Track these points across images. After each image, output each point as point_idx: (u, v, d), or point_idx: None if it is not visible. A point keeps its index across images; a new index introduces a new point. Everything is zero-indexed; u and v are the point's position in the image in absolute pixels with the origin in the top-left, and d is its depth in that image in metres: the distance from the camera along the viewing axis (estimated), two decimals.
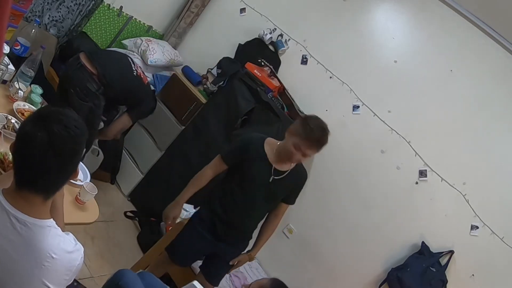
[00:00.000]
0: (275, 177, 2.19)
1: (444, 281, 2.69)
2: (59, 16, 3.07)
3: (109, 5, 3.40)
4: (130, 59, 2.81)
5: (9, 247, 1.06)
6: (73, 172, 1.14)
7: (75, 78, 2.49)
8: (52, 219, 1.14)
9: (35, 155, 1.03)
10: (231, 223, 2.31)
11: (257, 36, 3.60)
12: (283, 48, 3.52)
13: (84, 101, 2.49)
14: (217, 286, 2.48)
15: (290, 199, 2.37)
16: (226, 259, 2.39)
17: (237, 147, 2.29)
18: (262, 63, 3.46)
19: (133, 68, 2.74)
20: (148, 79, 2.96)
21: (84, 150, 1.20)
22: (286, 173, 2.20)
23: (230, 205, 2.28)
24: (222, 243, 2.35)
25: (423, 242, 2.81)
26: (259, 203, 2.28)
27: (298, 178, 2.31)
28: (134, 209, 3.46)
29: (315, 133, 2.06)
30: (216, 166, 2.31)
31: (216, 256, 2.41)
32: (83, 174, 2.11)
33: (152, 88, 3.66)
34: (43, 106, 2.27)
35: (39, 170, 1.06)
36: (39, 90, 2.31)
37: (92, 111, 2.54)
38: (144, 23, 3.81)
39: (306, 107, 3.28)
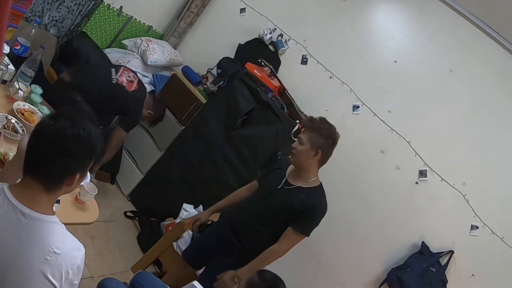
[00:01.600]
0: (284, 186, 2.20)
1: (444, 281, 2.69)
2: (59, 16, 3.07)
3: (109, 5, 3.40)
4: (113, 69, 2.82)
5: (14, 241, 1.09)
6: (71, 174, 1.15)
7: (58, 96, 2.60)
8: (56, 216, 1.17)
9: (40, 141, 1.12)
10: (235, 224, 2.31)
11: (257, 36, 3.60)
12: (283, 48, 3.52)
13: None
14: None
15: (296, 223, 2.15)
16: (218, 269, 2.29)
17: (272, 166, 2.45)
18: (262, 63, 3.45)
19: (113, 77, 2.76)
20: (136, 87, 2.87)
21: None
22: (294, 187, 2.17)
23: (242, 206, 2.36)
24: (223, 248, 2.34)
25: (423, 242, 2.81)
26: (263, 210, 2.24)
27: (308, 199, 2.14)
28: (134, 209, 3.46)
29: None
30: (252, 185, 2.45)
31: (212, 264, 2.39)
32: None
33: (152, 88, 3.67)
34: (42, 108, 2.27)
35: (38, 154, 1.12)
36: (39, 90, 2.31)
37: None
38: (144, 23, 3.81)
39: (306, 107, 3.29)
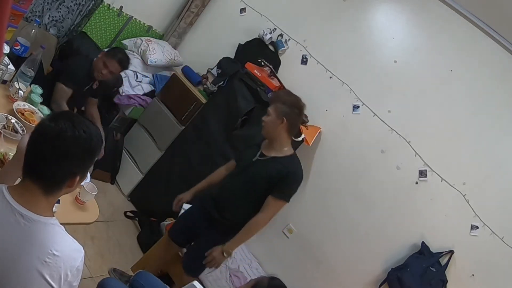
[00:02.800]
0: (259, 158, 2.30)
1: (444, 281, 2.69)
2: (59, 16, 3.07)
3: (109, 5, 3.40)
4: None
5: (13, 242, 1.08)
6: (71, 176, 1.14)
7: None
8: (55, 218, 1.16)
9: (37, 145, 1.10)
10: (218, 201, 2.38)
11: (257, 36, 3.60)
12: (283, 48, 3.52)
13: None
14: (194, 276, 2.49)
15: (275, 190, 2.24)
16: (202, 245, 2.36)
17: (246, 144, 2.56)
18: (262, 63, 3.45)
19: None
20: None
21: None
22: (269, 157, 2.27)
23: (223, 184, 2.43)
24: (207, 225, 2.40)
25: (423, 242, 2.81)
26: (241, 183, 2.32)
27: (283, 167, 2.23)
28: (134, 209, 3.46)
29: None
30: (230, 164, 2.54)
31: (197, 241, 2.45)
32: None
33: (152, 88, 3.67)
34: (42, 108, 2.27)
35: (38, 157, 1.11)
36: (39, 90, 2.32)
37: None
38: (144, 23, 3.81)
39: (306, 107, 3.28)
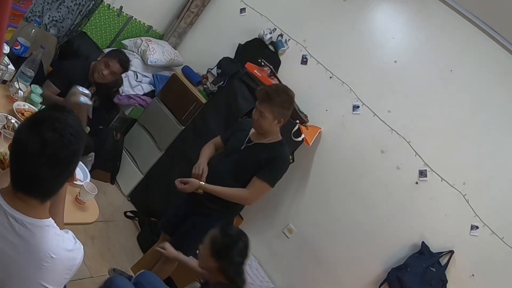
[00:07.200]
0: (247, 144, 2.32)
1: (444, 281, 2.69)
2: (59, 16, 3.07)
3: (109, 5, 3.40)
4: None
5: (8, 248, 1.05)
6: (69, 178, 1.12)
7: None
8: (50, 218, 1.13)
9: (28, 164, 1.02)
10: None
11: (257, 36, 3.60)
12: (283, 48, 3.52)
13: None
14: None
15: (261, 172, 2.28)
16: (193, 229, 2.36)
17: (233, 125, 2.59)
18: (262, 63, 3.45)
19: None
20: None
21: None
22: (258, 143, 2.30)
23: (212, 168, 2.41)
24: (195, 211, 2.40)
25: (423, 242, 2.81)
26: (231, 168, 2.33)
27: (273, 152, 2.29)
28: (134, 209, 3.46)
29: (261, 88, 2.42)
30: (216, 140, 2.55)
31: (185, 227, 2.44)
32: (83, 174, 2.11)
33: (152, 88, 3.67)
34: (41, 108, 2.27)
35: (32, 178, 1.04)
36: (39, 90, 2.31)
37: None
38: (144, 23, 3.81)
39: (306, 107, 3.28)
